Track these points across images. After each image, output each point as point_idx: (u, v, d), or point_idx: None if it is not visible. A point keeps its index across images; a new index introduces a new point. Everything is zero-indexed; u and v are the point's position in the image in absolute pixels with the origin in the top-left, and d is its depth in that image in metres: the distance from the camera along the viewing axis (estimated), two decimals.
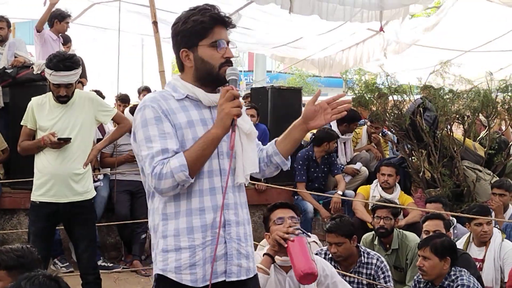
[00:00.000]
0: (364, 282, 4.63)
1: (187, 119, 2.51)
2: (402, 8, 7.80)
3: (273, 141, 2.73)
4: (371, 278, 4.64)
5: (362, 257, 4.71)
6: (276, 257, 3.78)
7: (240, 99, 2.48)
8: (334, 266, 4.68)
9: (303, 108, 10.08)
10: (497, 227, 5.47)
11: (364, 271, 4.68)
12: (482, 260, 5.19)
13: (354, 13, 7.29)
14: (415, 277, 4.70)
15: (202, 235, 2.49)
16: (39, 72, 6.54)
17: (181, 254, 2.49)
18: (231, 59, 2.58)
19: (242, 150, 2.54)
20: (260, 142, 2.79)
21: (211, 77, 2.55)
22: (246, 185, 2.65)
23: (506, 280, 4.95)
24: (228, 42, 2.56)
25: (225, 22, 2.57)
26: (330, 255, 4.75)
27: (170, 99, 2.54)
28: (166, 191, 2.44)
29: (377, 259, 4.70)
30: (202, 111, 2.56)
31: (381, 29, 8.33)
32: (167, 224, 2.52)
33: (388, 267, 4.74)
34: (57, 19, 8.06)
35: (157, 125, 2.46)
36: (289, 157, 2.75)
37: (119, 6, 6.83)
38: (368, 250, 4.86)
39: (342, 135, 7.70)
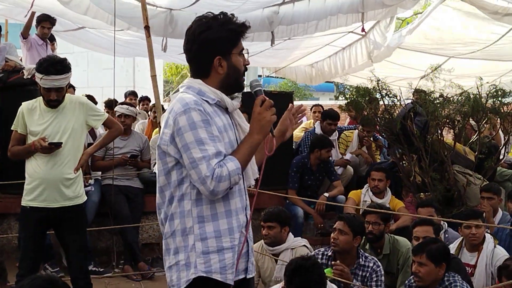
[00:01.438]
0: (358, 284, 4.66)
1: (223, 123, 2.64)
2: (387, 10, 7.85)
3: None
4: (365, 280, 4.70)
5: (360, 259, 4.80)
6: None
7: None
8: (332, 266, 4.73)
9: None
10: (488, 233, 5.50)
11: (360, 273, 4.74)
12: (474, 266, 5.18)
13: (336, 23, 7.40)
14: (406, 282, 4.71)
15: (238, 235, 2.62)
16: (29, 76, 6.53)
17: (225, 255, 2.59)
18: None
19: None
20: None
21: (237, 84, 2.71)
22: (250, 187, 2.78)
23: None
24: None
25: (244, 34, 2.71)
26: (330, 254, 4.84)
27: (205, 103, 2.61)
28: (221, 193, 2.54)
29: (374, 263, 4.79)
30: (226, 117, 2.69)
31: (363, 30, 8.38)
32: (204, 227, 2.59)
33: (382, 272, 4.78)
34: (36, 24, 8.15)
35: (206, 128, 2.53)
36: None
37: (113, 14, 6.83)
38: (367, 254, 4.91)
39: (324, 133, 7.77)
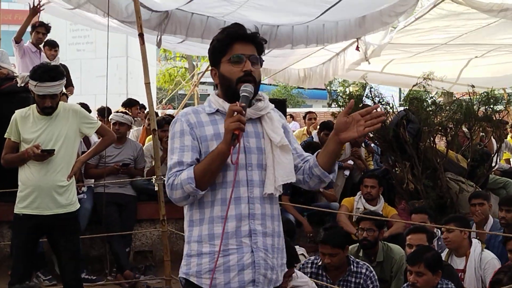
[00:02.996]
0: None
1: (214, 131, 2.63)
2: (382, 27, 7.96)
3: (316, 152, 2.78)
4: (360, 287, 4.69)
5: (352, 266, 4.81)
6: None
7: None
8: (323, 275, 4.74)
9: (287, 120, 10.10)
10: (478, 239, 5.52)
11: (353, 280, 4.75)
12: (463, 270, 5.20)
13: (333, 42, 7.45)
14: None
15: (223, 242, 2.56)
16: (22, 84, 6.51)
17: (202, 259, 2.59)
18: (259, 74, 2.68)
19: (273, 162, 2.64)
20: (306, 154, 2.85)
21: (231, 92, 2.64)
22: (276, 195, 2.69)
23: None
24: (250, 56, 2.63)
25: (245, 38, 2.65)
26: (319, 264, 4.83)
27: (202, 112, 2.69)
28: (178, 201, 2.58)
29: (366, 269, 4.80)
30: None
31: (357, 49, 8.48)
32: (192, 230, 2.65)
33: (376, 277, 4.79)
34: (31, 30, 8.15)
35: (181, 138, 2.63)
36: (334, 169, 2.74)
37: (107, 19, 6.83)
38: (358, 260, 4.92)
39: (322, 143, 7.77)
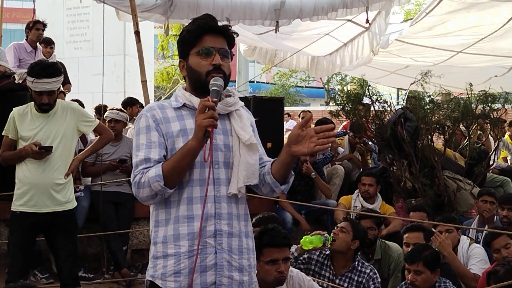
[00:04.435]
0: None
1: (180, 127, 2.53)
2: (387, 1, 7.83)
3: (273, 160, 2.68)
4: (361, 286, 4.73)
5: (356, 264, 4.82)
6: None
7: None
8: (328, 266, 4.78)
9: (284, 118, 10.01)
10: (467, 236, 5.54)
11: (356, 277, 4.77)
12: None
13: (341, 14, 7.33)
14: (398, 287, 4.71)
15: (188, 243, 2.48)
16: (20, 81, 6.50)
17: (168, 261, 2.51)
18: (229, 68, 2.59)
19: (239, 161, 2.54)
20: (267, 158, 2.72)
21: (200, 85, 2.55)
22: (239, 196, 2.59)
23: None
24: (220, 49, 2.55)
25: (216, 30, 2.57)
26: (327, 252, 4.88)
27: (168, 108, 2.59)
28: (145, 200, 2.48)
29: (371, 270, 4.81)
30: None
31: (367, 21, 8.29)
32: (158, 231, 2.55)
33: (379, 279, 4.79)
34: (27, 29, 8.16)
35: (146, 134, 2.53)
36: (288, 181, 2.64)
37: (103, 15, 6.84)
38: (363, 261, 4.94)
39: None
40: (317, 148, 2.46)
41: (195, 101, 2.54)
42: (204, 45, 2.54)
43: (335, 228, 4.93)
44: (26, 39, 8.41)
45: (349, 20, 8.71)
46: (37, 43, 8.51)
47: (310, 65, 10.36)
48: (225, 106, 2.58)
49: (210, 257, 2.50)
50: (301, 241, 4.68)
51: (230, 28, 2.62)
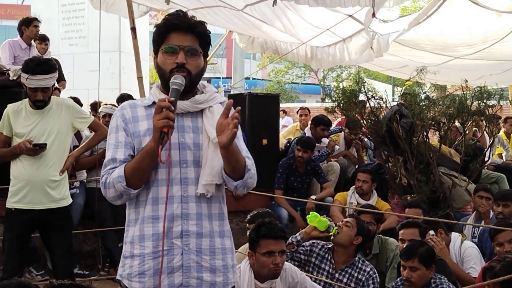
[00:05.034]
0: (352, 285, 4.71)
1: (148, 127, 2.49)
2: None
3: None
4: (360, 283, 4.75)
5: (356, 260, 4.86)
6: (257, 282, 3.88)
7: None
8: (328, 259, 4.86)
9: (280, 115, 9.98)
10: (460, 232, 5.55)
11: (355, 274, 4.80)
12: None
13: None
14: (393, 284, 4.72)
15: (153, 244, 2.46)
16: (15, 78, 6.49)
17: (134, 261, 2.50)
18: (196, 66, 2.52)
19: (206, 160, 2.49)
20: (245, 155, 2.58)
21: (164, 83, 2.53)
22: (208, 196, 2.50)
23: None
24: (185, 48, 2.49)
25: (183, 28, 2.51)
26: (329, 246, 4.92)
27: (139, 106, 2.58)
28: (112, 200, 2.50)
29: (371, 269, 4.84)
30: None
31: (374, 15, 8.21)
32: (128, 231, 2.56)
33: (378, 279, 4.81)
34: (24, 26, 8.13)
35: (115, 133, 2.54)
36: (244, 176, 2.50)
37: (99, 11, 6.82)
38: (364, 259, 4.98)
39: (316, 139, 7.78)
40: (230, 133, 2.33)
41: (160, 98, 2.48)
42: (169, 43, 2.50)
43: (341, 222, 4.97)
44: (21, 36, 8.38)
45: (350, 16, 8.66)
46: (31, 40, 8.48)
47: (310, 57, 10.26)
48: (193, 104, 2.54)
49: (177, 258, 2.46)
50: (307, 216, 4.78)
51: (202, 24, 2.56)
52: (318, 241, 5.04)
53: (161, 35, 2.53)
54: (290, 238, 4.86)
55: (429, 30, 8.67)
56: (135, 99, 9.10)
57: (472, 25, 8.56)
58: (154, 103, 2.53)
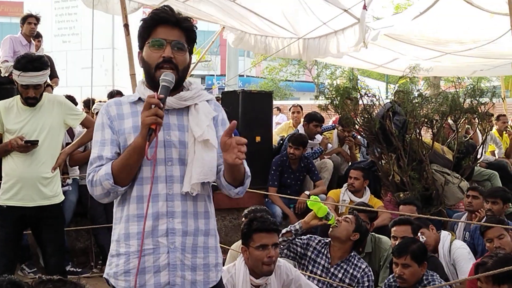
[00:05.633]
0: (347, 281, 4.72)
1: (133, 124, 2.47)
2: None
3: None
4: (354, 279, 4.76)
5: (352, 257, 4.88)
6: (252, 278, 3.91)
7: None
8: (324, 254, 4.88)
9: (273, 112, 9.94)
10: (450, 231, 5.56)
11: (350, 270, 4.81)
12: None
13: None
14: (386, 281, 4.73)
15: (138, 242, 2.43)
16: (6, 74, 6.47)
17: (119, 260, 2.49)
18: (183, 61, 2.50)
19: (193, 158, 2.46)
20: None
21: (150, 78, 2.50)
22: (193, 194, 2.49)
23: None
24: (172, 42, 2.46)
25: (170, 22, 2.48)
26: (326, 241, 4.92)
27: (125, 103, 2.55)
28: (99, 198, 2.47)
29: (366, 266, 4.86)
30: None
31: (364, 7, 8.21)
32: (115, 229, 2.54)
33: (373, 277, 4.83)
34: (21, 23, 8.13)
35: (101, 131, 2.51)
36: (244, 183, 2.54)
37: (92, 9, 6.80)
38: (360, 256, 4.99)
39: (308, 136, 7.79)
40: (236, 161, 2.34)
41: (150, 94, 2.44)
42: (156, 37, 2.47)
43: (340, 217, 4.99)
44: (21, 33, 8.38)
45: (345, 10, 8.66)
46: (31, 38, 8.46)
47: (302, 51, 10.22)
48: (178, 100, 2.50)
49: (163, 257, 2.45)
50: (308, 201, 4.85)
51: (188, 20, 2.53)
52: (316, 236, 5.07)
53: (147, 28, 2.49)
54: (289, 226, 4.89)
55: (423, 26, 8.71)
56: (124, 95, 9.09)
57: (465, 24, 8.61)
58: (139, 99, 2.51)
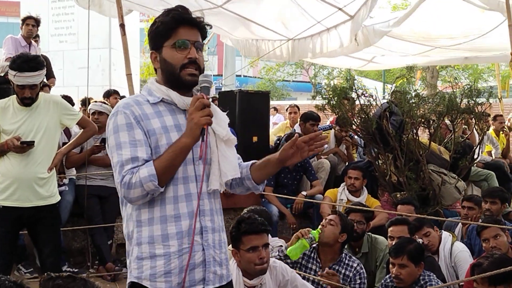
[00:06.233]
0: (340, 282, 4.70)
1: (161, 124, 2.47)
2: None
3: (249, 163, 2.71)
4: (347, 279, 4.75)
5: (343, 256, 4.85)
6: (245, 279, 3.89)
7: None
8: (314, 258, 4.85)
9: (270, 112, 9.94)
10: (450, 232, 5.56)
11: (342, 270, 4.80)
12: None
13: None
14: (382, 281, 4.73)
15: (178, 242, 2.45)
16: (2, 74, 6.45)
17: (156, 262, 2.46)
18: (202, 61, 2.55)
19: (218, 156, 2.53)
20: (239, 156, 2.73)
21: (174, 78, 2.51)
22: (221, 191, 2.61)
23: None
24: (195, 43, 2.51)
25: (191, 23, 2.52)
26: (313, 245, 4.88)
27: (145, 104, 2.51)
28: (135, 200, 2.42)
29: (358, 264, 4.85)
30: (177, 116, 2.52)
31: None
32: (141, 231, 2.49)
33: (365, 274, 4.82)
34: (21, 24, 8.13)
35: (128, 132, 2.44)
36: (264, 180, 2.77)
37: (88, 10, 6.78)
38: (351, 255, 4.96)
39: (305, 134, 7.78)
40: (310, 153, 2.62)
41: (173, 95, 2.50)
42: (179, 38, 2.49)
43: (324, 220, 4.95)
44: (21, 34, 8.38)
45: (339, 9, 8.65)
46: (31, 39, 8.44)
47: (291, 52, 10.19)
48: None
49: (198, 255, 2.49)
50: (288, 254, 4.68)
51: (203, 20, 2.58)
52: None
53: (168, 29, 2.50)
54: (277, 251, 4.84)
55: (413, 22, 8.74)
56: (122, 95, 9.04)
57: (456, 19, 8.65)
58: (162, 100, 2.52)
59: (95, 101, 7.01)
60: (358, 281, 4.75)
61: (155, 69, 2.61)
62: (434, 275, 4.50)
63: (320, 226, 4.84)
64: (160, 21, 2.52)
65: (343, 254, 4.87)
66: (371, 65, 12.04)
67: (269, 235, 5.20)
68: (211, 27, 2.51)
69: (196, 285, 2.49)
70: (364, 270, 4.84)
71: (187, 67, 2.49)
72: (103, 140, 6.68)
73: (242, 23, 9.10)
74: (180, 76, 2.49)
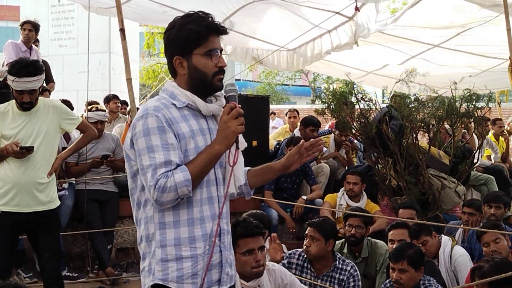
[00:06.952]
0: (336, 287, 4.69)
1: (189, 128, 2.52)
2: None
3: (246, 170, 2.75)
4: (342, 283, 4.74)
5: (337, 262, 4.84)
6: (243, 282, 3.87)
7: None
8: (308, 268, 4.79)
9: (270, 117, 9.94)
10: (450, 236, 5.55)
11: (337, 276, 4.78)
12: None
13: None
14: (382, 286, 4.72)
15: (203, 244, 2.51)
16: (1, 79, 6.45)
17: (183, 264, 2.49)
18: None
19: (237, 163, 2.60)
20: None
21: (204, 86, 2.56)
22: (235, 195, 2.72)
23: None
24: (221, 51, 2.58)
25: (219, 31, 2.57)
26: (305, 256, 4.86)
27: (172, 107, 2.52)
28: (166, 204, 2.44)
29: (351, 267, 4.83)
30: (200, 121, 2.57)
31: (357, 9, 8.19)
32: (165, 233, 2.50)
33: (359, 277, 4.81)
34: (20, 29, 8.16)
35: (161, 135, 2.44)
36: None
37: (88, 13, 6.78)
38: (344, 258, 4.94)
39: (305, 140, 7.77)
40: (308, 158, 2.77)
41: (198, 101, 2.54)
42: (211, 46, 2.54)
43: (305, 239, 4.89)
44: (21, 39, 8.38)
45: (337, 13, 8.65)
46: (31, 44, 8.43)
47: (289, 62, 10.20)
48: (220, 107, 2.61)
49: (216, 256, 2.55)
50: None
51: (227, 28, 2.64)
52: (295, 251, 5.01)
53: (200, 37, 2.53)
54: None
55: (410, 19, 8.76)
56: (122, 99, 8.98)
57: (454, 14, 8.65)
58: (187, 105, 2.55)
59: (91, 110, 6.96)
60: (352, 284, 4.74)
61: (174, 73, 2.62)
62: (434, 280, 4.50)
63: (304, 247, 4.84)
64: (191, 28, 2.52)
65: (337, 258, 4.86)
66: (371, 76, 11.98)
67: (267, 238, 5.23)
68: (227, 33, 2.56)
69: (213, 285, 2.55)
70: (358, 272, 4.83)
71: (218, 74, 2.56)
72: (104, 157, 6.70)
73: (241, 39, 9.17)
74: (211, 84, 2.56)
